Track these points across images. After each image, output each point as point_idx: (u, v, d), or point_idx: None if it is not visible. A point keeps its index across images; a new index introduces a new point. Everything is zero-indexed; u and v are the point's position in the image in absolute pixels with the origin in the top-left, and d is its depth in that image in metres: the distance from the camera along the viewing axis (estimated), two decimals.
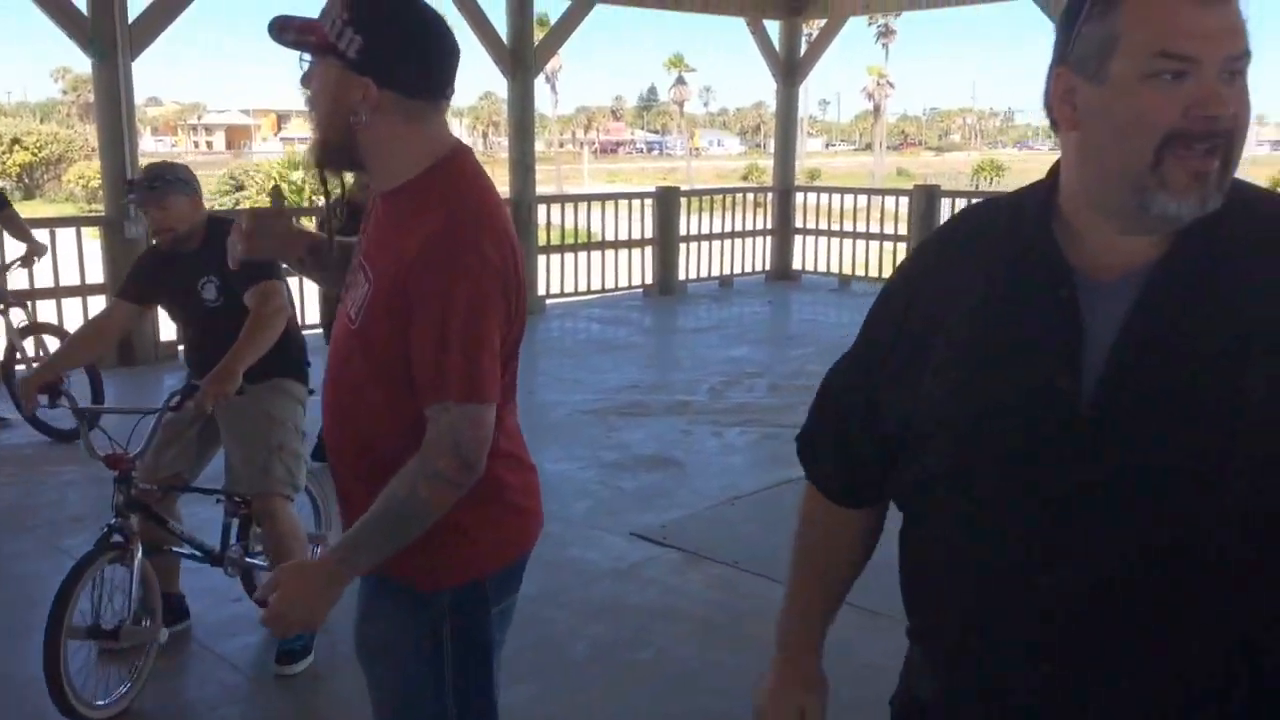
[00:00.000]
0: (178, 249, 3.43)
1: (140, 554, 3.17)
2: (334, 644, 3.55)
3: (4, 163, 43.42)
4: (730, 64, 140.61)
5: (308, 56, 1.69)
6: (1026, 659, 1.17)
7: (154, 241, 3.63)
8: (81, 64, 8.24)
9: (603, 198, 11.76)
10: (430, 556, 1.72)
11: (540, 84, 10.74)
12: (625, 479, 5.39)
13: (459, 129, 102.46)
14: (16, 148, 43.61)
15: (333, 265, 1.98)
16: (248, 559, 3.64)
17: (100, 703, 3.10)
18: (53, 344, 6.35)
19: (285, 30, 1.68)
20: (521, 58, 10.00)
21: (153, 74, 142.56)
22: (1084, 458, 1.11)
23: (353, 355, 1.76)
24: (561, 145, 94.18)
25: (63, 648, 2.94)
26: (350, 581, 1.70)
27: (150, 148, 73.62)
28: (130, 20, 7.73)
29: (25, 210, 8.73)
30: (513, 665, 3.44)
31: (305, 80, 1.71)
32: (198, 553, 3.54)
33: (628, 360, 8.40)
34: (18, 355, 6.31)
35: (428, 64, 1.68)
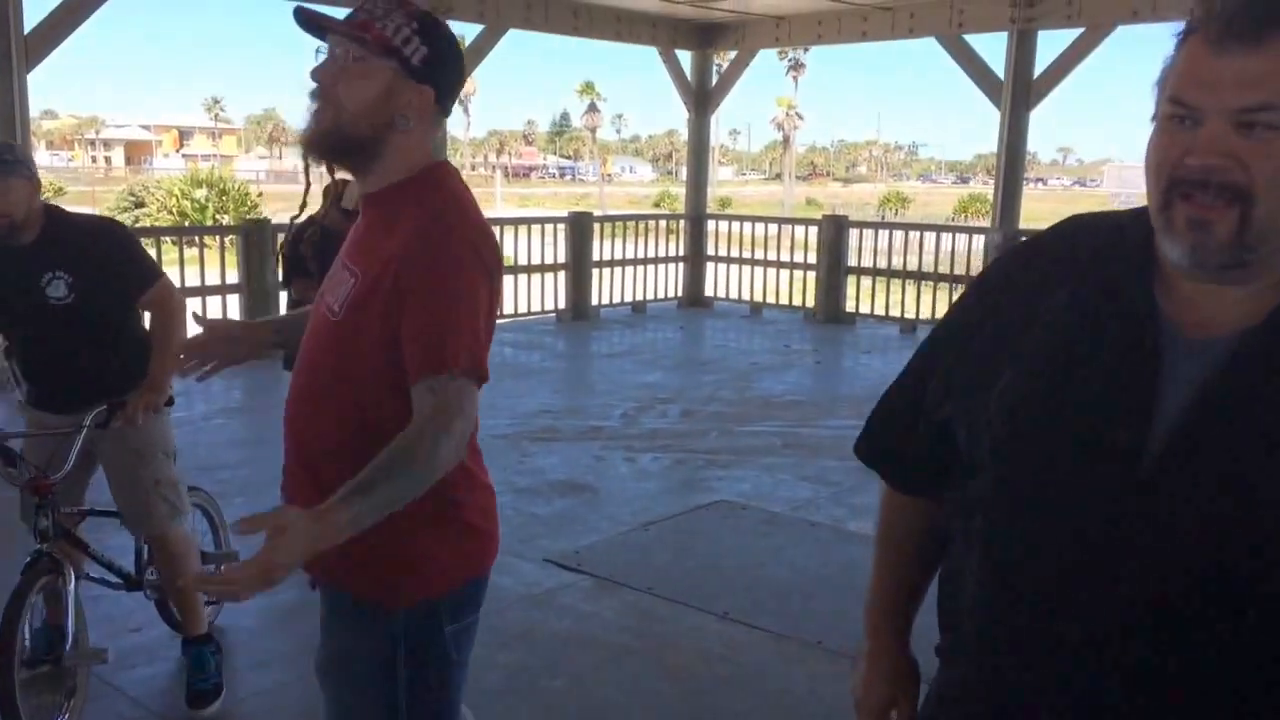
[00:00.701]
0: (9, 241, 3.07)
1: (74, 578, 3.04)
2: (239, 679, 3.46)
3: None
4: (643, 92, 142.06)
5: (328, 48, 1.75)
6: (1041, 708, 1.14)
7: None
8: None
9: (516, 222, 11.72)
10: (384, 575, 1.76)
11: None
12: (539, 504, 5.36)
13: None
14: None
15: (299, 329, 1.96)
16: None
17: None
18: None
19: (327, 22, 1.74)
20: None
21: (48, 86, 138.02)
22: (1128, 516, 1.07)
23: (330, 347, 1.79)
24: (474, 168, 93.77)
25: (17, 686, 2.78)
26: (340, 530, 1.55)
27: (45, 162, 71.12)
28: (26, 30, 7.50)
29: None
30: None
31: (317, 71, 1.75)
32: (114, 578, 3.41)
33: (541, 385, 8.37)
34: None
35: (458, 83, 1.84)
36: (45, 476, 3.01)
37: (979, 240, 10.96)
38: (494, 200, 62.18)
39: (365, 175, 1.80)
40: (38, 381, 3.28)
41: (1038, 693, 1.14)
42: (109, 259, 3.17)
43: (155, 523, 3.30)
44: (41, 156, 73.23)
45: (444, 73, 1.76)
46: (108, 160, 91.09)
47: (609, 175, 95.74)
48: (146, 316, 3.43)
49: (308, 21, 1.73)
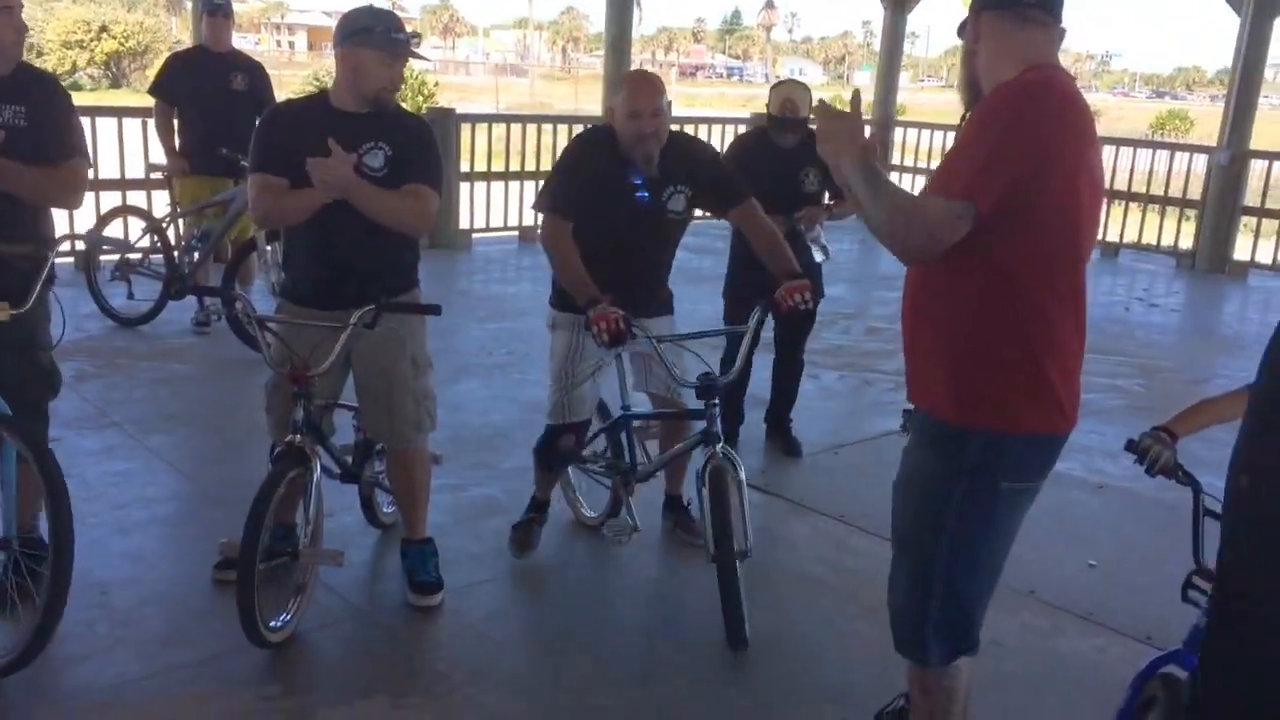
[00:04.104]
0: (379, 107, 3.05)
1: (319, 472, 3.01)
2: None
3: (92, 50, 43.76)
4: None
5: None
6: None
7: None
8: None
9: (695, 121, 11.36)
10: (961, 399, 2.06)
11: None
12: None
13: (538, 43, 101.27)
14: (104, 35, 43.87)
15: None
16: (378, 486, 3.57)
17: (273, 624, 2.95)
18: None
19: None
20: None
21: None
22: None
23: None
24: (641, 66, 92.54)
25: (256, 574, 2.79)
26: (856, 161, 2.01)
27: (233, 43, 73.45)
28: None
29: (112, 99, 8.60)
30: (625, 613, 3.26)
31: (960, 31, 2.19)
32: (336, 468, 3.38)
33: (714, 292, 8.11)
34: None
35: None
36: (305, 368, 2.94)
37: (1198, 160, 10.05)
38: None
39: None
40: (310, 271, 3.15)
41: None
42: (429, 148, 3.12)
43: (418, 435, 3.26)
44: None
45: None
46: (291, 45, 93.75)
47: (777, 76, 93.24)
48: None
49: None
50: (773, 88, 4.68)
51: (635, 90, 3.21)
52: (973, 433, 2.07)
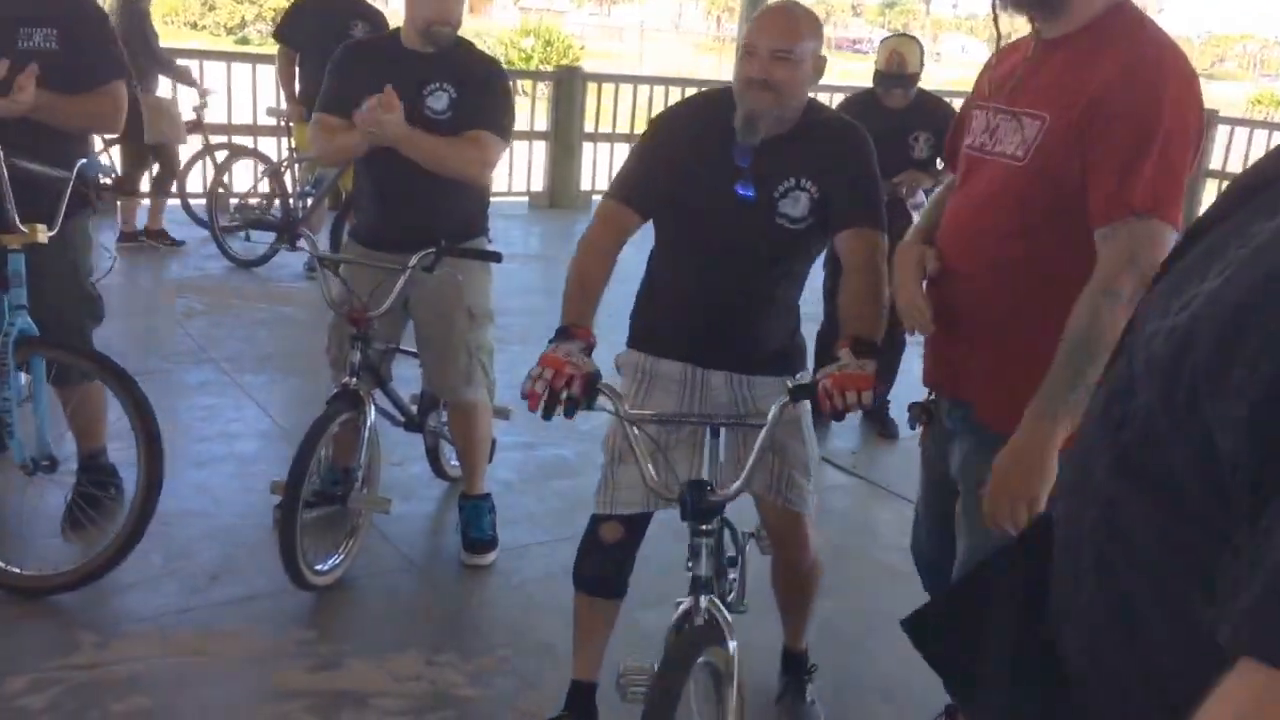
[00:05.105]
0: (426, 43, 2.96)
1: (373, 416, 2.98)
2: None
3: (261, 6, 45.48)
4: None
5: None
6: None
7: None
8: None
9: (829, 89, 10.97)
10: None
11: None
12: None
13: (692, 12, 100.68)
14: None
15: None
16: (442, 437, 3.51)
17: (319, 568, 2.95)
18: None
19: None
20: None
21: None
22: None
23: (1011, 194, 1.83)
24: None
25: (300, 515, 2.78)
26: (1058, 434, 1.74)
27: (398, 4, 75.50)
28: None
29: (274, 50, 8.83)
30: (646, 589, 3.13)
31: None
32: (399, 415, 3.34)
33: None
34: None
35: None
36: (364, 309, 2.91)
37: None
38: None
39: (1052, 20, 1.84)
40: (372, 213, 3.11)
41: None
42: (495, 92, 3.02)
43: (472, 389, 3.15)
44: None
45: None
46: None
47: (937, 54, 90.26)
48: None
49: None
50: (881, 41, 4.39)
51: (761, 20, 2.16)
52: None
